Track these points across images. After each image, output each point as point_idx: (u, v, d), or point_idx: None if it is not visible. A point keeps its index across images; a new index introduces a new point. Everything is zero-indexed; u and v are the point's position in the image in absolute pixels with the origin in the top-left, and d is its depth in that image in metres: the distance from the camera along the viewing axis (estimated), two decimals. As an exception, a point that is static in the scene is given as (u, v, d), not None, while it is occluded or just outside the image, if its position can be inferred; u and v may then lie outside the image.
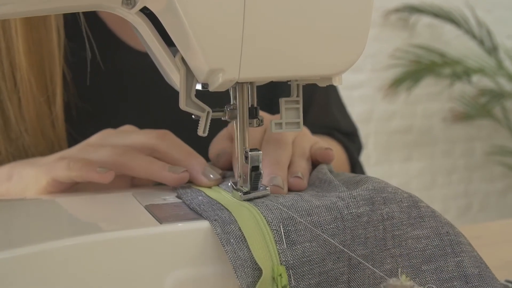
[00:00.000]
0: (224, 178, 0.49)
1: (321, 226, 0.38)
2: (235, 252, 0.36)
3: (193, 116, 0.41)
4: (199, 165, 0.48)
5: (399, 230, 0.40)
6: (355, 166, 0.79)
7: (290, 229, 0.37)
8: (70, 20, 0.63)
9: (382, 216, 0.40)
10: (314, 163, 0.51)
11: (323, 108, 0.79)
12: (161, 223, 0.38)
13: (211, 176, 0.47)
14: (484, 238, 0.61)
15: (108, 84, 0.69)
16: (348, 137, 0.82)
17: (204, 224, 0.38)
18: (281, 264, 0.36)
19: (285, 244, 0.37)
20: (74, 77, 0.64)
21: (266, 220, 0.37)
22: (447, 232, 0.41)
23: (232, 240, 0.36)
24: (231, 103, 0.44)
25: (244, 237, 0.36)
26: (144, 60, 0.68)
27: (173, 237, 0.37)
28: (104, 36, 0.69)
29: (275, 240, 0.37)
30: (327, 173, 0.47)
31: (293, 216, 0.38)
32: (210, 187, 0.47)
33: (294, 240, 0.37)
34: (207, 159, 0.52)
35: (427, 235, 0.40)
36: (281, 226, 0.37)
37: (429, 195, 2.62)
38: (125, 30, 0.70)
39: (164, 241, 0.37)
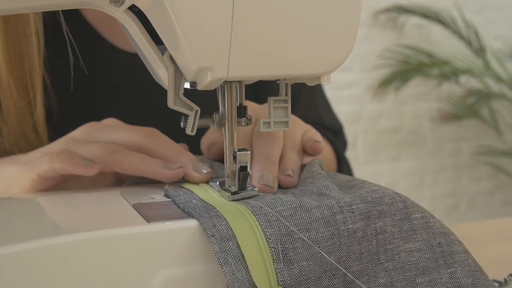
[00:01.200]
0: (213, 170, 0.48)
1: (318, 243, 0.38)
2: (233, 273, 0.36)
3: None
4: (190, 161, 0.47)
5: (391, 244, 0.40)
6: (341, 161, 0.79)
7: (288, 247, 0.37)
8: (51, 24, 0.61)
9: (375, 230, 0.40)
10: (304, 153, 0.51)
11: (309, 105, 0.79)
12: (149, 222, 0.38)
13: (204, 171, 0.47)
14: (472, 237, 0.61)
15: (93, 86, 0.68)
16: (334, 134, 0.82)
17: (192, 223, 0.38)
18: (278, 284, 0.36)
19: (282, 263, 0.37)
20: (58, 81, 0.63)
21: (265, 235, 0.37)
22: (439, 243, 0.41)
23: (230, 260, 0.36)
24: (219, 107, 0.43)
25: (242, 255, 0.36)
26: (130, 60, 0.67)
27: (161, 236, 0.37)
28: (89, 37, 0.68)
29: (273, 259, 0.36)
30: (319, 168, 0.46)
31: (291, 231, 0.37)
32: (202, 183, 0.47)
33: (291, 259, 0.37)
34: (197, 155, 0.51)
35: (419, 248, 0.41)
36: (279, 245, 0.37)
37: (417, 195, 2.63)
38: (110, 30, 0.69)
39: (152, 240, 0.36)
